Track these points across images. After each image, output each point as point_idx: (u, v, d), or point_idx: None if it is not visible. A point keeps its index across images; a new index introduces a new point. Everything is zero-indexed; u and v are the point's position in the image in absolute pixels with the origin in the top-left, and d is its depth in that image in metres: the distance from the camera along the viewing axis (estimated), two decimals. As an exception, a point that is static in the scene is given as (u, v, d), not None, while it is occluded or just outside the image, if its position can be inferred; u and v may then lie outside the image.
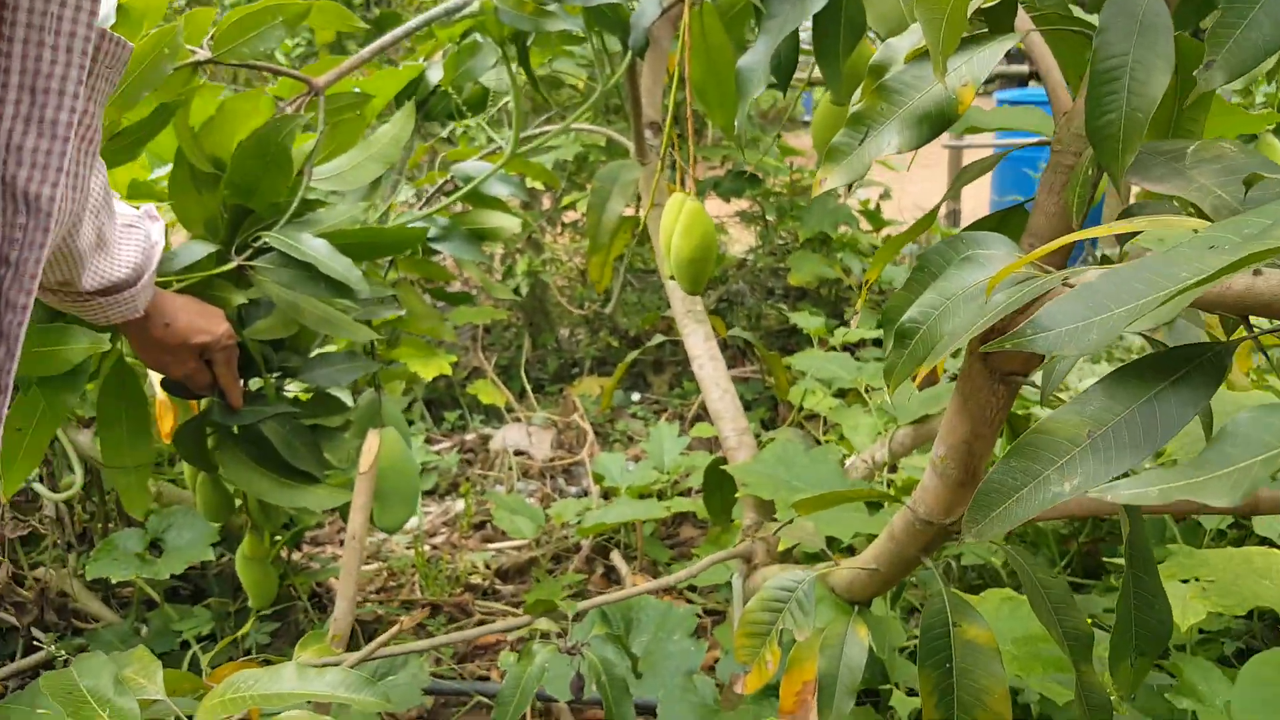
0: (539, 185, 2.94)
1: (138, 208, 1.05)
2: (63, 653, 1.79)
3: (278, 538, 1.93)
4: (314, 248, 1.05)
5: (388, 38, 1.27)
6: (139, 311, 1.03)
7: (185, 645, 1.83)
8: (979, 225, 0.80)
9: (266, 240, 1.08)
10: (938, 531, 0.86)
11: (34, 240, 0.52)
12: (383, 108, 1.31)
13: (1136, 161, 0.60)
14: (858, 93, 0.76)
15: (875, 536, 1.59)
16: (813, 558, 1.47)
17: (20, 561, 1.83)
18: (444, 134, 2.12)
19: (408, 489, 1.38)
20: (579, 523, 2.22)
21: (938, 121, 0.70)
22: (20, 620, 1.78)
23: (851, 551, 1.63)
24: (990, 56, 0.67)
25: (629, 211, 1.88)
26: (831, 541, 1.25)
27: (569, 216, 3.55)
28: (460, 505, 2.60)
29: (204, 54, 1.06)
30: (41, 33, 0.51)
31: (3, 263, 0.51)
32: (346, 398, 1.61)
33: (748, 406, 2.86)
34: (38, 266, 0.53)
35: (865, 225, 3.11)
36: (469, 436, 3.06)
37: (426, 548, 2.41)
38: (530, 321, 3.52)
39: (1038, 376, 0.79)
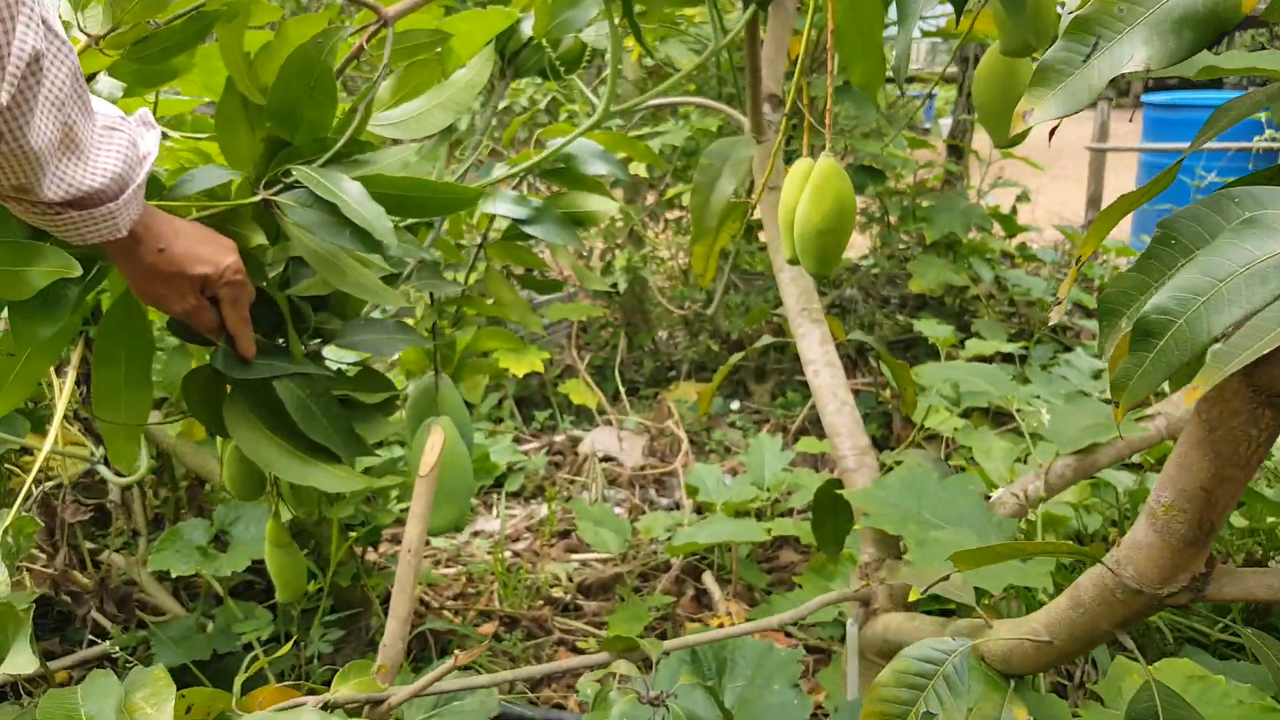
0: (643, 172, 2.76)
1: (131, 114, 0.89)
2: (116, 648, 1.69)
3: (352, 534, 1.79)
4: (345, 189, 0.88)
5: None
6: (121, 231, 0.86)
7: (249, 645, 1.70)
8: (1244, 183, 0.58)
9: (296, 175, 0.91)
10: (1148, 602, 0.64)
11: None
12: (468, 59, 1.14)
13: None
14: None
15: (1027, 590, 1.35)
16: (934, 600, 1.25)
17: (80, 548, 1.73)
18: (542, 106, 1.95)
19: (459, 486, 1.21)
20: (669, 539, 2.03)
21: (1206, 24, 0.48)
22: (77, 609, 1.68)
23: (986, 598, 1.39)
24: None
25: (737, 195, 1.69)
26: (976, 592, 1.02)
27: (673, 214, 3.37)
28: (545, 509, 2.44)
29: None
30: None
31: None
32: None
33: (858, 421, 2.62)
34: None
35: (998, 230, 2.84)
36: (558, 438, 2.89)
37: (507, 553, 2.26)
38: (628, 320, 3.35)
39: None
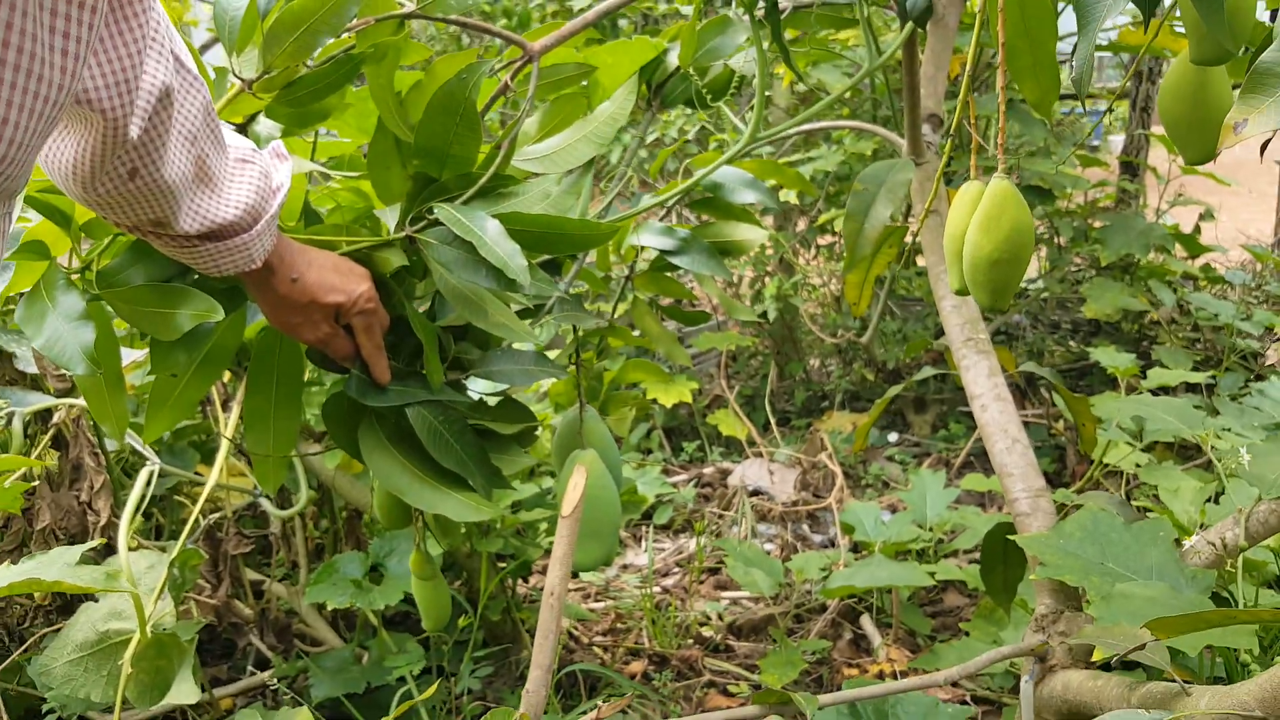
0: (794, 198, 2.72)
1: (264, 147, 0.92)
2: (275, 678, 1.75)
3: (502, 567, 1.81)
4: (483, 226, 0.88)
5: (602, 8, 1.10)
6: (256, 262, 0.89)
7: (402, 678, 1.74)
8: None
9: (437, 212, 0.92)
10: (1393, 683, 0.56)
11: None
12: (613, 91, 1.14)
13: None
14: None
15: (1228, 650, 1.23)
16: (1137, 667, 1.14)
17: (243, 578, 1.80)
18: (690, 134, 1.94)
19: (606, 523, 1.19)
20: (824, 580, 1.96)
21: None
22: (238, 639, 1.75)
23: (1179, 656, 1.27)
24: None
25: (894, 222, 1.63)
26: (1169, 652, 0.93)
27: (825, 240, 3.30)
28: (694, 544, 2.41)
29: (410, 6, 0.93)
30: None
31: None
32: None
33: (1026, 456, 2.49)
34: None
35: (1179, 251, 2.65)
36: (707, 469, 2.86)
37: (656, 589, 2.24)
38: (778, 349, 3.29)
39: None
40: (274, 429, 1.06)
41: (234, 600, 1.77)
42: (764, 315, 3.00)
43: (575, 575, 1.89)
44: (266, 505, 1.75)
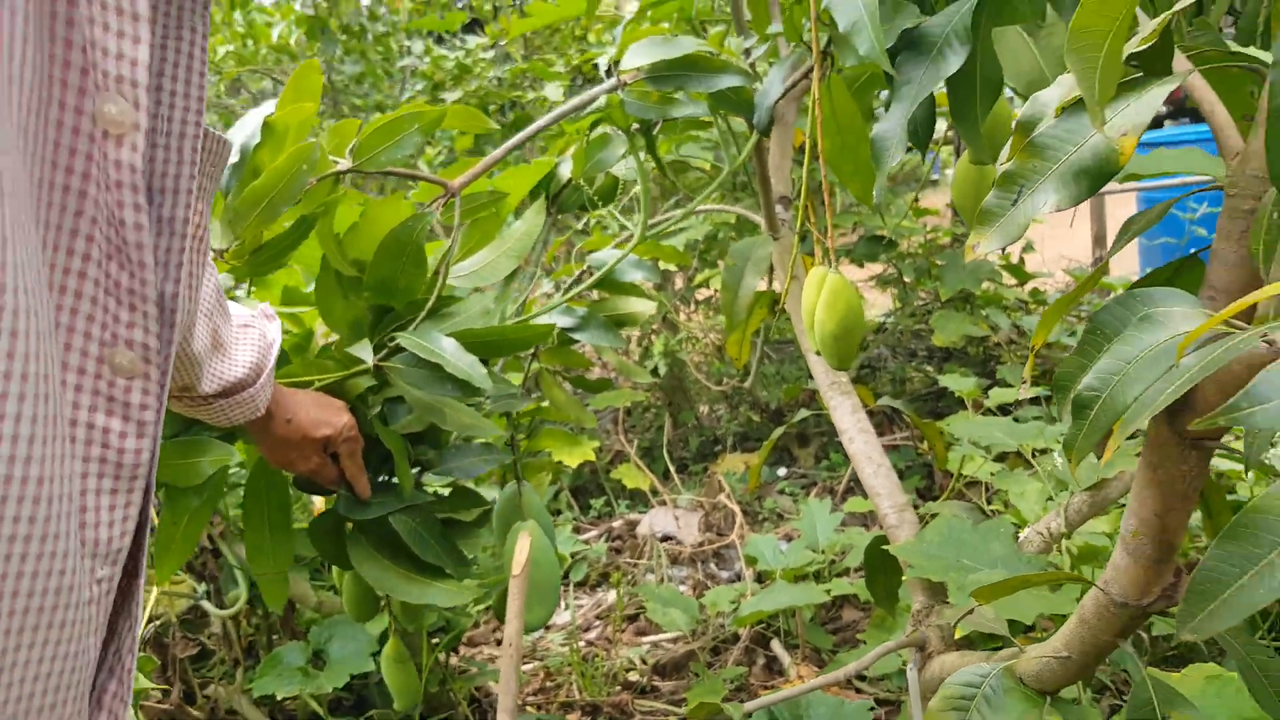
0: (672, 266, 2.97)
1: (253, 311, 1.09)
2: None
3: (435, 641, 1.95)
4: (442, 347, 1.08)
5: (519, 136, 1.31)
6: (260, 411, 1.03)
7: (348, 757, 1.86)
8: (1150, 280, 0.75)
9: (401, 341, 1.11)
10: (1134, 613, 0.79)
11: (164, 337, 0.55)
12: (517, 204, 1.34)
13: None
14: (1005, 151, 0.74)
15: (1060, 616, 1.49)
16: (990, 639, 1.39)
17: (189, 680, 1.90)
18: (579, 226, 2.17)
19: (548, 586, 1.37)
20: (735, 611, 2.17)
21: (1097, 175, 0.66)
22: (190, 742, 1.84)
23: (1033, 631, 1.53)
24: (1151, 102, 0.64)
25: (763, 286, 1.88)
26: (1013, 624, 1.17)
27: (702, 294, 3.57)
28: (612, 596, 2.59)
29: (345, 164, 1.12)
30: (154, 134, 0.53)
31: (159, 393, 0.53)
32: (489, 492, 1.63)
33: (901, 475, 2.77)
34: (168, 362, 0.55)
35: (1009, 280, 3.01)
36: (616, 523, 3.06)
37: (581, 643, 2.40)
38: (670, 401, 3.53)
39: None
40: (272, 554, 1.21)
41: (186, 705, 1.86)
42: (654, 371, 3.23)
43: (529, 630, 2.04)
44: (209, 606, 1.86)
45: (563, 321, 1.79)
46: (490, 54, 3.34)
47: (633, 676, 2.23)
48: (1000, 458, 2.25)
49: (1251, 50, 0.71)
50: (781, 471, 3.24)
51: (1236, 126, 0.69)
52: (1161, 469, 0.72)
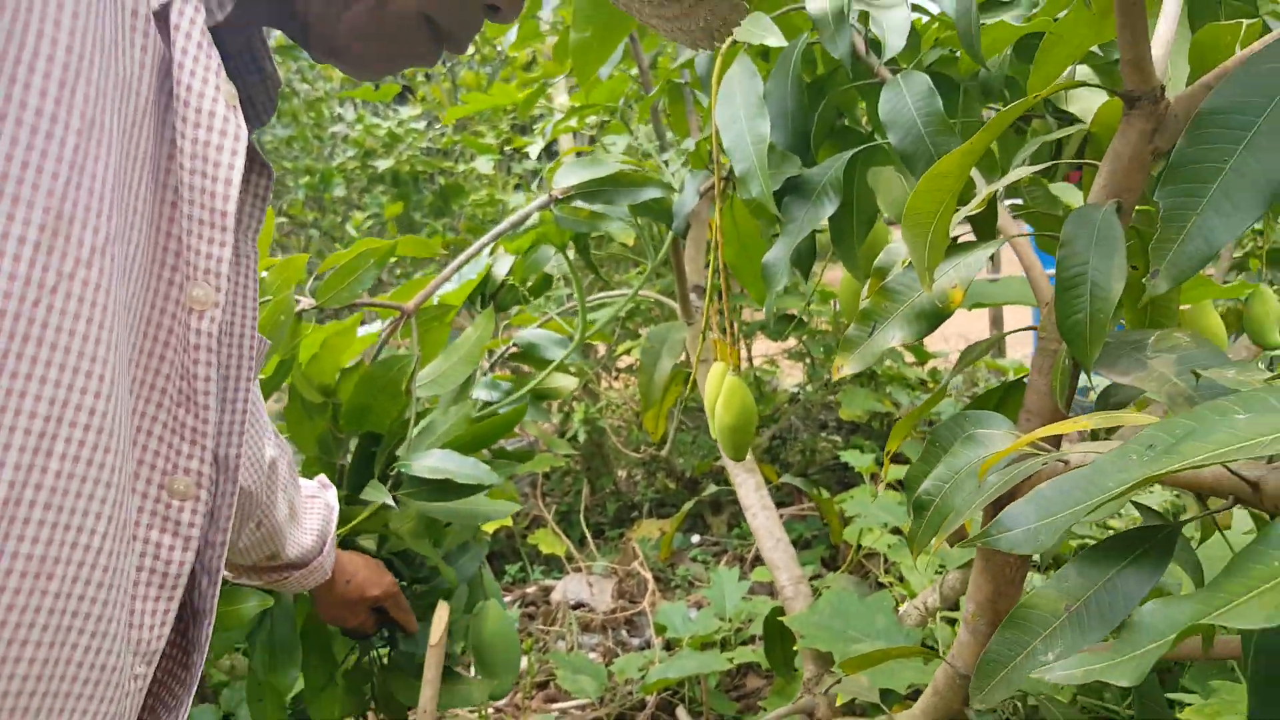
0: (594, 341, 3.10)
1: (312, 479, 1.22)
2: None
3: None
4: (444, 462, 1.20)
5: (462, 258, 1.44)
6: (327, 574, 1.15)
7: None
8: (984, 400, 0.90)
9: (402, 471, 1.24)
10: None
11: (225, 491, 0.67)
12: (458, 306, 1.48)
13: (1104, 353, 0.70)
14: (865, 289, 0.88)
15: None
16: (877, 709, 1.52)
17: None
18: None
19: (513, 655, 1.48)
20: (643, 678, 2.27)
21: (934, 318, 0.81)
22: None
23: (915, 697, 1.67)
24: (976, 261, 0.79)
25: (679, 361, 2.02)
26: (889, 693, 1.31)
27: (624, 361, 3.71)
28: (524, 664, 2.66)
29: (308, 302, 1.24)
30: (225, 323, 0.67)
31: (206, 513, 0.65)
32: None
33: (807, 544, 2.91)
34: (230, 510, 0.68)
35: (910, 358, 3.21)
36: (530, 589, 3.14)
37: (490, 710, 2.47)
38: (589, 466, 3.63)
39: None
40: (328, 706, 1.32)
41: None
42: (574, 437, 3.34)
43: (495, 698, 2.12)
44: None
45: (491, 396, 1.91)
46: (421, 124, 3.47)
47: (542, 743, 2.31)
48: (897, 531, 2.41)
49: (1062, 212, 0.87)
50: (695, 539, 3.36)
51: (1048, 278, 0.84)
52: (991, 560, 0.86)
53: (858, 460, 2.37)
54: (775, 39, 0.93)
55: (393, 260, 1.87)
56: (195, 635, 0.69)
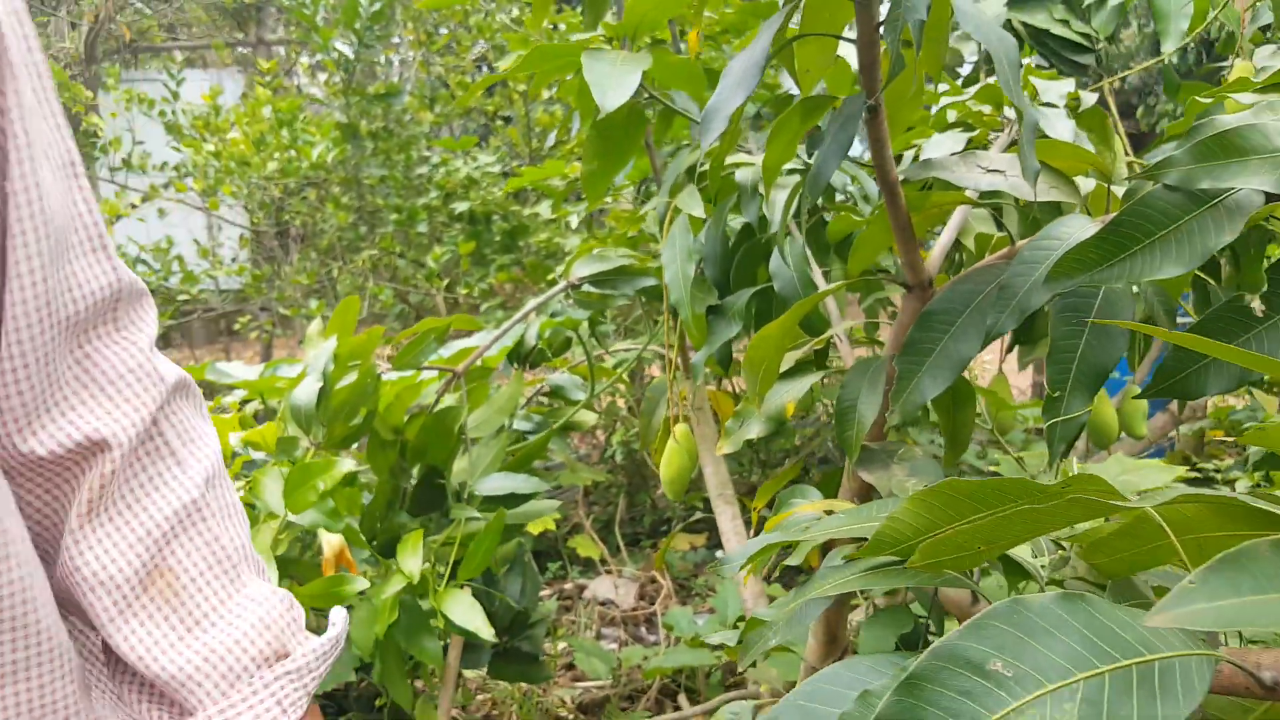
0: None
1: None
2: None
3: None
4: (504, 481, 1.66)
5: (499, 331, 1.87)
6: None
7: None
8: (830, 477, 1.29)
9: (476, 489, 1.69)
10: (819, 672, 1.33)
11: None
12: (495, 365, 1.92)
13: (865, 456, 1.10)
14: (742, 402, 1.28)
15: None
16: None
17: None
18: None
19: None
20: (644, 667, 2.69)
21: (779, 421, 1.21)
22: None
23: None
24: (803, 385, 1.19)
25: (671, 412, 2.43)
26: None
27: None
28: (560, 646, 3.10)
29: (387, 368, 1.69)
30: None
31: None
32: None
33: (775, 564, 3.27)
34: None
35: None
36: (567, 586, 3.58)
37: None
38: (630, 482, 4.06)
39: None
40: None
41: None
42: (613, 456, 3.78)
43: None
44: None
45: (525, 426, 2.35)
46: (496, 168, 3.94)
47: (562, 712, 2.74)
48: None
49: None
50: (719, 553, 3.76)
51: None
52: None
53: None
54: (698, 211, 1.35)
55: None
56: None
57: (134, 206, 4.10)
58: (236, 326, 4.45)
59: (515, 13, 3.68)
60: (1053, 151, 1.10)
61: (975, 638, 0.48)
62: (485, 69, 4.54)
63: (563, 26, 2.68)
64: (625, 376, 2.68)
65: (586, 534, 3.77)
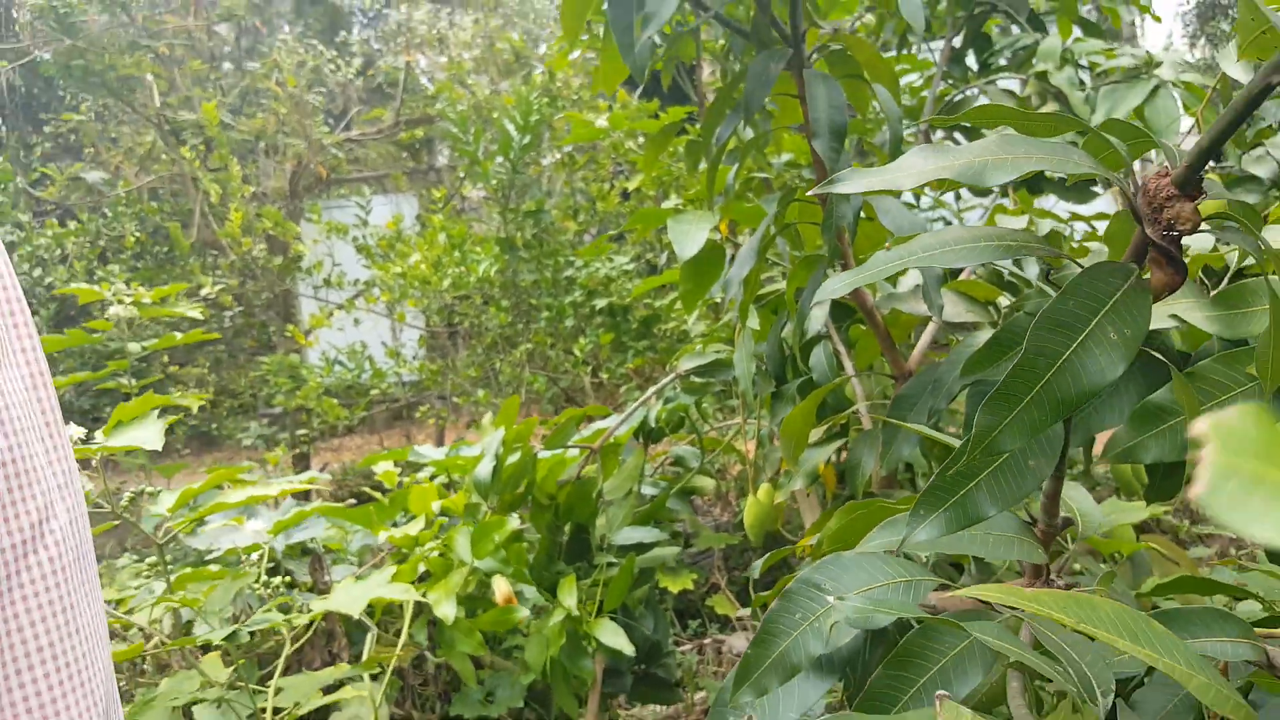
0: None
1: None
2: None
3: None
4: (634, 533, 2.19)
5: (626, 414, 2.42)
6: None
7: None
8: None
9: (615, 539, 2.24)
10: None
11: None
12: (625, 441, 2.46)
13: (867, 497, 1.56)
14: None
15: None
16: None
17: (410, 698, 3.00)
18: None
19: None
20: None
21: (811, 476, 1.69)
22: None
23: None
24: (827, 451, 1.67)
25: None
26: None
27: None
28: (699, 695, 3.56)
29: (539, 446, 2.26)
30: None
31: None
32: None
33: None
34: None
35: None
36: (706, 641, 4.04)
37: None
38: (765, 546, 4.51)
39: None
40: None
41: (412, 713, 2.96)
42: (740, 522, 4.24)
43: None
44: (428, 655, 2.97)
45: (651, 491, 2.89)
46: (630, 266, 4.54)
47: (696, 748, 3.19)
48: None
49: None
50: (844, 608, 4.14)
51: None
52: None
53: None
54: (754, 324, 1.85)
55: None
56: None
57: (331, 314, 4.89)
58: (417, 415, 5.18)
59: (641, 139, 4.31)
60: (971, 287, 1.57)
61: (817, 572, 0.97)
62: (618, 177, 5.20)
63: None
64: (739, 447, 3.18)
65: (723, 593, 4.23)
